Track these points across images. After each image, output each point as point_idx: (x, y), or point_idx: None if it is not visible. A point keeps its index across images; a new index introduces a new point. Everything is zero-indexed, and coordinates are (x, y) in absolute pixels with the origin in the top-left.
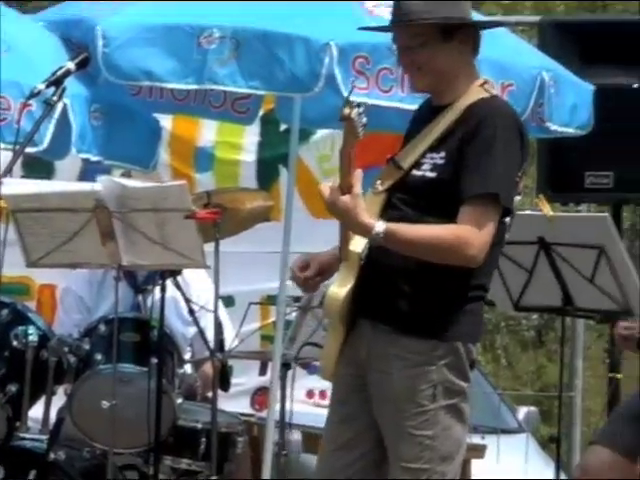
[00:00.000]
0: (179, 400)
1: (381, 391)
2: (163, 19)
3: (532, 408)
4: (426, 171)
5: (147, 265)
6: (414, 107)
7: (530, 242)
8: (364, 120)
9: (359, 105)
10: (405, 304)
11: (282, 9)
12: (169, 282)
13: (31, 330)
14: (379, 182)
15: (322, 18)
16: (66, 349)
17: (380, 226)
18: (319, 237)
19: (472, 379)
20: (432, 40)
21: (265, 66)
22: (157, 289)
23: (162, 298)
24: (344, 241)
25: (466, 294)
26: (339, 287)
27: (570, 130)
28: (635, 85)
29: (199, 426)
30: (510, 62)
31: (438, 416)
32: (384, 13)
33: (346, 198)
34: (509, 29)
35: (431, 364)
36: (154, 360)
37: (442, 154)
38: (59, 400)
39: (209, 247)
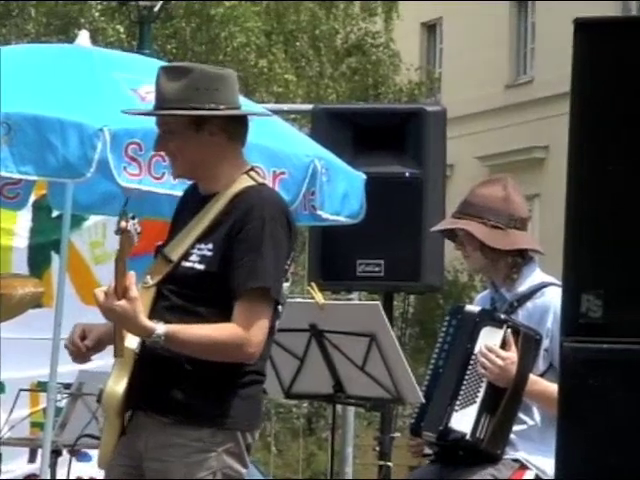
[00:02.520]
0: None
1: (158, 476)
2: None
3: None
4: (195, 263)
5: None
6: None
7: (302, 329)
8: (139, 229)
9: (134, 217)
10: (180, 394)
11: (55, 94)
12: None
13: None
14: (149, 276)
15: (96, 104)
16: None
17: (161, 329)
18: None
19: None
20: (182, 129)
21: (37, 151)
22: None
23: None
24: (118, 338)
25: (241, 380)
26: (116, 384)
27: (341, 218)
28: (406, 174)
29: None
30: (282, 150)
31: None
32: None
33: (123, 303)
34: (281, 117)
35: (210, 451)
36: None
37: (210, 245)
38: None
39: None
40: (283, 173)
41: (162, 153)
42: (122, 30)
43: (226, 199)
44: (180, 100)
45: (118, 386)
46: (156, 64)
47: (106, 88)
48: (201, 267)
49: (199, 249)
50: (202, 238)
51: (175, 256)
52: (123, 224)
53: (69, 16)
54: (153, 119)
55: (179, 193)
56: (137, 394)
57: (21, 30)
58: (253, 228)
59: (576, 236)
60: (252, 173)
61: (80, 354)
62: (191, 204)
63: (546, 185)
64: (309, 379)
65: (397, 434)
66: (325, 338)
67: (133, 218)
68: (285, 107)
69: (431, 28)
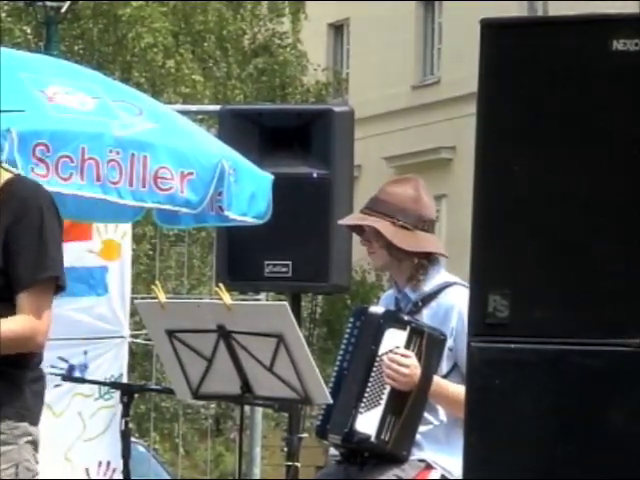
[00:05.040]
0: None
1: None
2: None
3: None
4: None
5: None
6: (92, 195)
7: (210, 330)
8: None
9: None
10: None
11: None
12: None
13: None
14: None
15: (2, 105)
16: None
17: None
18: None
19: (150, 468)
20: None
21: None
22: None
23: None
24: None
25: (34, 374)
26: None
27: (248, 219)
28: (314, 174)
29: None
30: (190, 150)
31: None
32: (64, 100)
33: None
34: (189, 118)
35: (11, 443)
36: None
37: None
38: None
39: None
40: (191, 174)
41: (69, 154)
42: (29, 31)
43: None
44: None
45: None
46: (63, 65)
47: (13, 89)
48: None
49: None
50: None
51: None
52: None
53: None
54: (62, 120)
55: (86, 194)
56: None
57: None
58: (32, 219)
59: (482, 237)
60: (3, 165)
61: None
62: None
63: (453, 186)
64: (217, 380)
65: (305, 435)
66: (233, 339)
67: None
68: (193, 108)
69: (338, 29)
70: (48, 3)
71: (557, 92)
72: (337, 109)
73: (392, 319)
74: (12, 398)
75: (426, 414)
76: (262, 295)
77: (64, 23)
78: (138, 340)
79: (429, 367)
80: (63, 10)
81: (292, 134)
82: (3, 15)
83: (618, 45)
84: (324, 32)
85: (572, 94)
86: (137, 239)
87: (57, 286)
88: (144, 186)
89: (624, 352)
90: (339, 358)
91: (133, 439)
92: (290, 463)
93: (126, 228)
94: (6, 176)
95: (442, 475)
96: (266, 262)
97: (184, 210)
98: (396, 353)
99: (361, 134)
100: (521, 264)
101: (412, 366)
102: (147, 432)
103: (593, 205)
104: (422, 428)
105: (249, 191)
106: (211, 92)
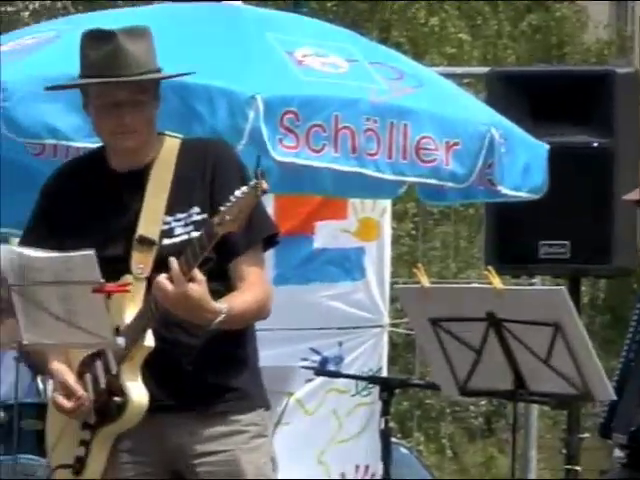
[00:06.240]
0: None
1: (224, 468)
2: (68, 69)
3: None
4: (189, 233)
5: (51, 344)
6: (348, 168)
7: (478, 318)
8: None
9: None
10: (226, 379)
11: (201, 59)
12: None
13: None
14: (141, 266)
15: (247, 69)
16: None
17: (223, 307)
18: None
19: (413, 472)
20: (152, 96)
21: (183, 121)
22: None
23: None
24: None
25: (252, 352)
26: (139, 393)
27: (522, 194)
28: (595, 144)
29: None
30: (456, 118)
31: None
32: (315, 63)
33: (195, 286)
34: (455, 81)
35: (265, 435)
36: None
37: (196, 209)
38: None
39: None
40: (457, 144)
41: (321, 123)
42: None
43: (170, 158)
44: (150, 62)
45: (143, 398)
46: (314, 24)
47: (258, 51)
48: (196, 234)
49: (181, 219)
50: (175, 207)
51: (155, 236)
52: (265, 185)
53: None
54: (312, 85)
55: (341, 167)
56: (170, 392)
57: None
58: (235, 177)
59: None
60: (165, 132)
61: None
62: (100, 186)
63: None
64: (487, 374)
65: (586, 435)
66: (504, 328)
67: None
68: (459, 70)
69: None
70: None
71: None
72: (620, 71)
73: None
74: (254, 383)
75: None
76: (537, 279)
77: None
78: (399, 329)
79: None
80: None
81: (569, 99)
82: None
83: None
84: None
85: None
86: (398, 217)
87: (269, 242)
88: (405, 158)
89: None
90: (625, 348)
91: (394, 440)
92: (570, 466)
93: (385, 205)
94: (175, 140)
95: None
96: (541, 242)
97: (450, 184)
98: None
99: None
100: None
101: None
102: (410, 432)
103: None
104: None
105: (522, 162)
106: (479, 53)
